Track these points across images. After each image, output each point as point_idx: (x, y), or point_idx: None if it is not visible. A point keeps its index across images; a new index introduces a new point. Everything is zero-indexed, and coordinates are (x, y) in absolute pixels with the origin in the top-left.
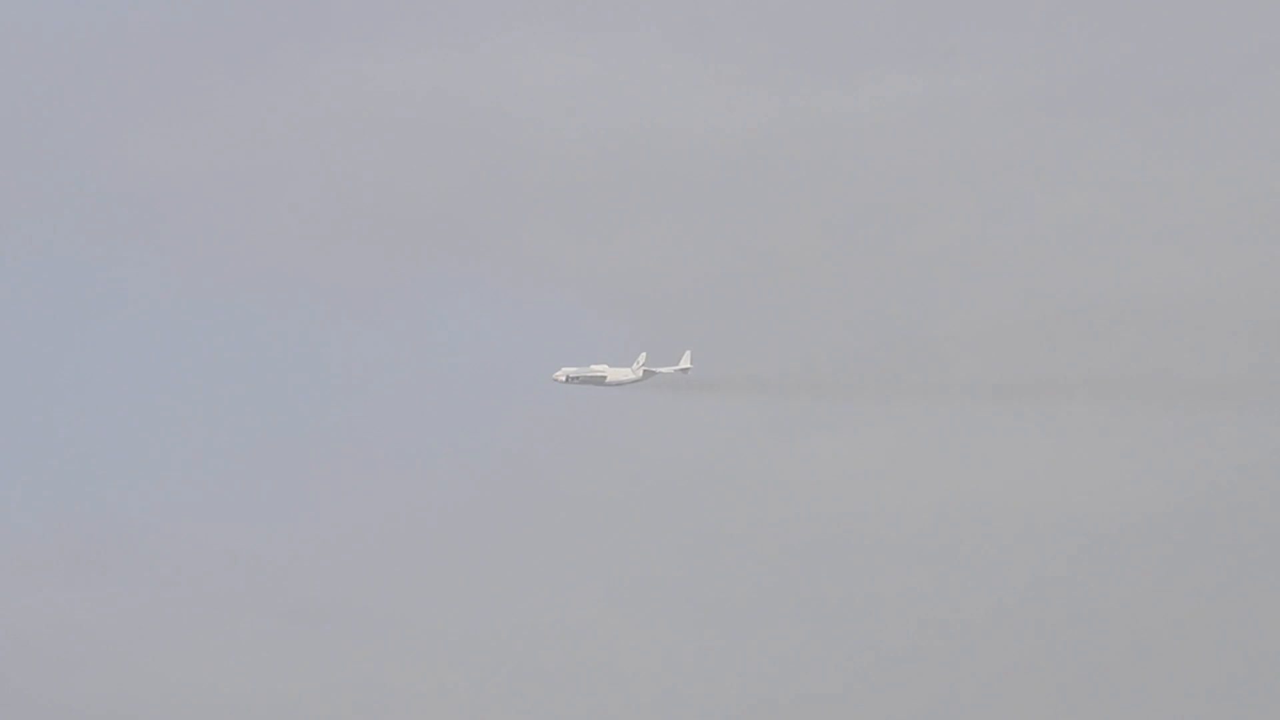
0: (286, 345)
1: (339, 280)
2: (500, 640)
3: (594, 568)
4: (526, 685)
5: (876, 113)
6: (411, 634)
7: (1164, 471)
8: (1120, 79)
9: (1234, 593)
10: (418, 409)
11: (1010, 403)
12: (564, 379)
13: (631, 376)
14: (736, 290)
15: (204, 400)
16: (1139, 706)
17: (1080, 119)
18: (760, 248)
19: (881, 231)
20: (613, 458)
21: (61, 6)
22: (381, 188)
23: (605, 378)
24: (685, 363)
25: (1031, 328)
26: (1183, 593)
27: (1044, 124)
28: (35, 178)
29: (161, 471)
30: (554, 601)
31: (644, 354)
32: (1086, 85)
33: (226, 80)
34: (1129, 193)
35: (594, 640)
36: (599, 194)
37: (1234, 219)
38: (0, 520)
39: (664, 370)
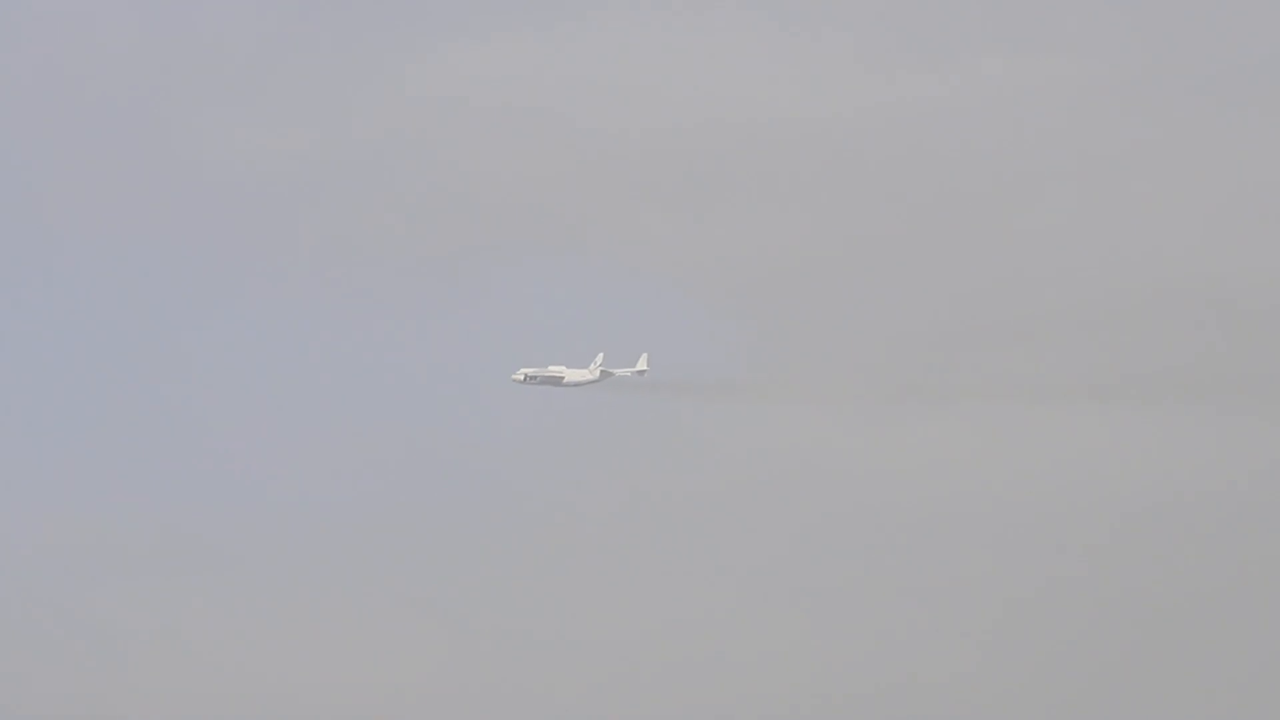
0: (389, 332)
1: (440, 267)
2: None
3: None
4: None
5: (969, 97)
6: (540, 625)
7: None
8: (1222, 62)
9: None
10: (515, 392)
11: (1107, 393)
12: (522, 379)
13: (589, 377)
14: (830, 275)
15: (311, 389)
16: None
17: (1180, 103)
18: (855, 233)
19: (978, 217)
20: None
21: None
22: (480, 175)
23: (563, 378)
24: (642, 364)
25: (1128, 316)
26: None
27: (1140, 107)
28: (152, 171)
29: (267, 463)
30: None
31: (601, 354)
32: (1187, 69)
33: (329, 72)
34: (1231, 176)
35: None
36: (695, 179)
37: None
38: (105, 514)
39: (620, 371)
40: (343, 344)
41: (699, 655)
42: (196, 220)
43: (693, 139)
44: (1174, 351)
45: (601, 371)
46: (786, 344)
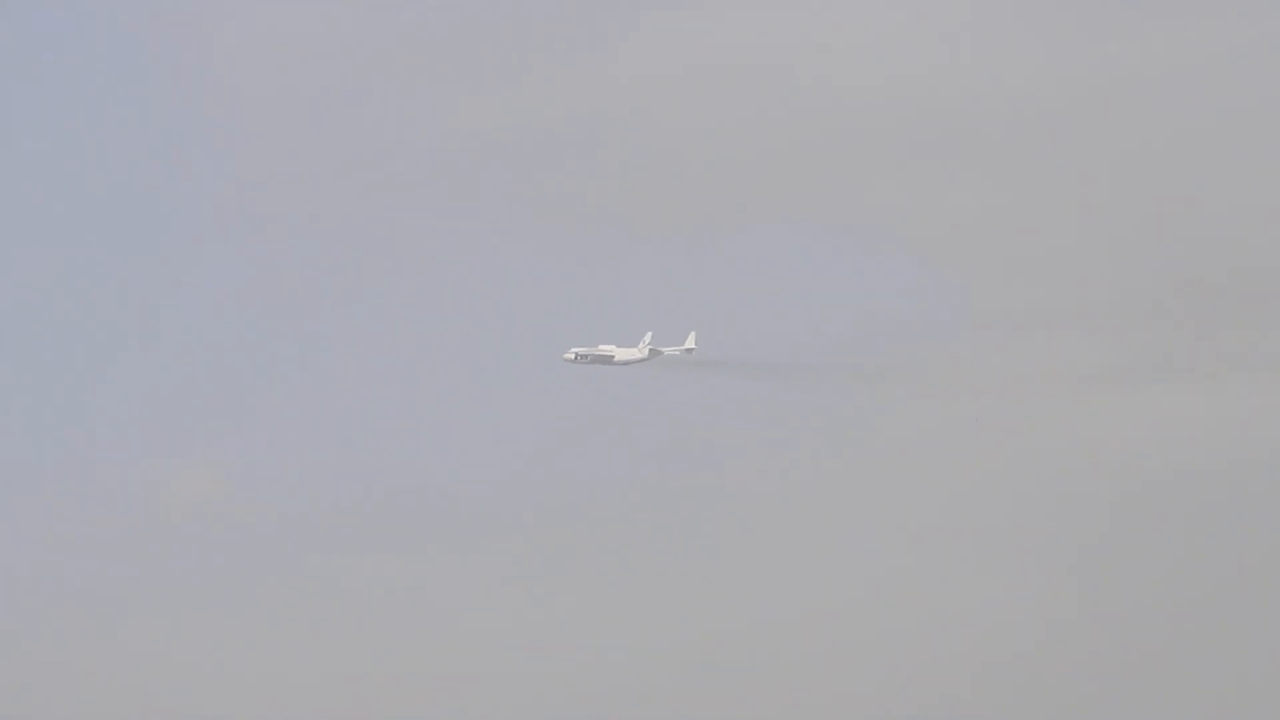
0: (612, 300)
1: (670, 229)
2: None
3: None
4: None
5: (1179, 58)
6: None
7: None
8: None
9: None
10: (744, 353)
11: None
12: (573, 358)
13: (638, 356)
14: (1053, 238)
15: (540, 359)
16: None
17: None
18: (1078, 197)
19: (1191, 182)
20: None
21: None
22: (708, 140)
23: (614, 357)
24: (690, 343)
25: None
26: None
27: None
28: (368, 149)
29: (478, 431)
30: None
31: (649, 333)
32: None
33: (559, 39)
34: None
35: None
36: (922, 143)
37: None
38: (317, 481)
39: (670, 350)
40: (570, 313)
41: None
42: (416, 195)
43: (912, 102)
44: None
45: (650, 350)
46: (1001, 310)
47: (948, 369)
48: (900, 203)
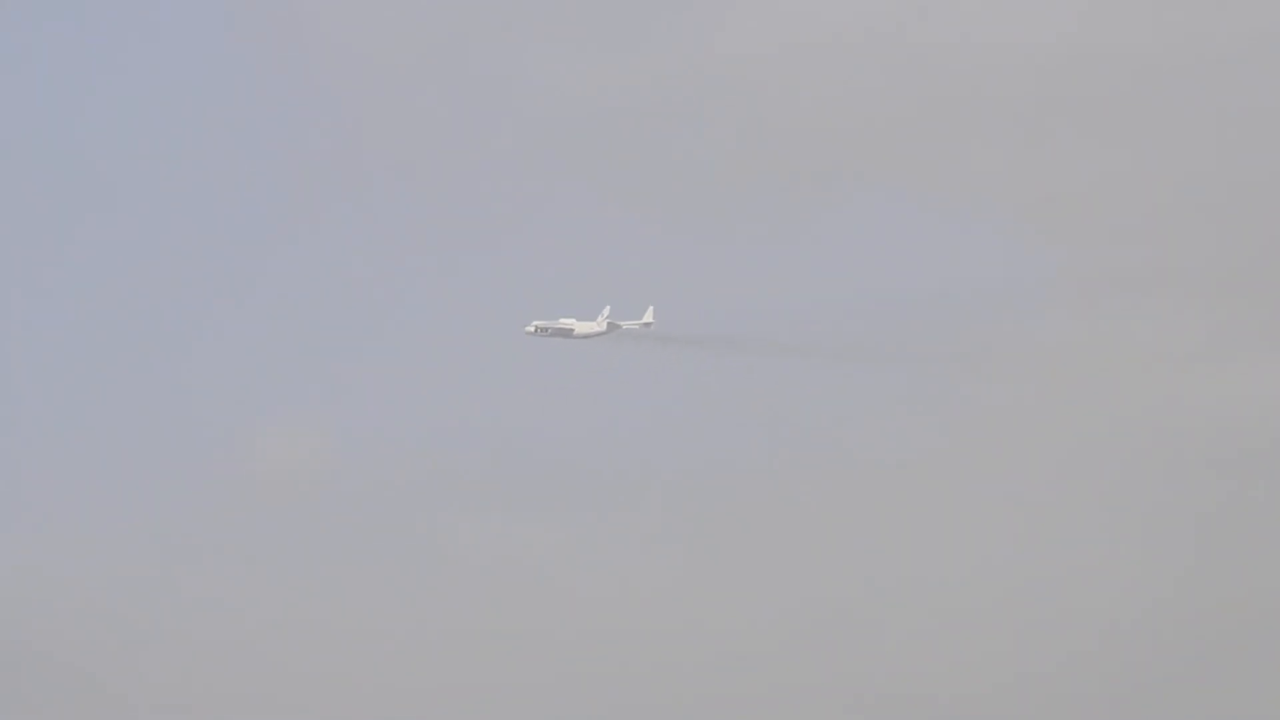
0: (719, 266)
1: (762, 201)
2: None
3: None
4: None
5: None
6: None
7: None
8: None
9: None
10: (840, 323)
11: None
12: (534, 330)
13: (597, 329)
14: (1156, 205)
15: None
16: None
17: None
18: (1181, 163)
19: None
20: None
21: None
22: (805, 111)
23: (573, 330)
24: (648, 317)
25: None
26: None
27: None
28: (457, 106)
29: (603, 397)
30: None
31: (608, 307)
32: None
33: (659, 8)
34: None
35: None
36: (1025, 112)
37: None
38: (446, 446)
39: (628, 324)
40: (679, 277)
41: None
42: (519, 161)
43: (1009, 67)
44: None
45: (609, 324)
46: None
47: (1047, 340)
48: (998, 170)
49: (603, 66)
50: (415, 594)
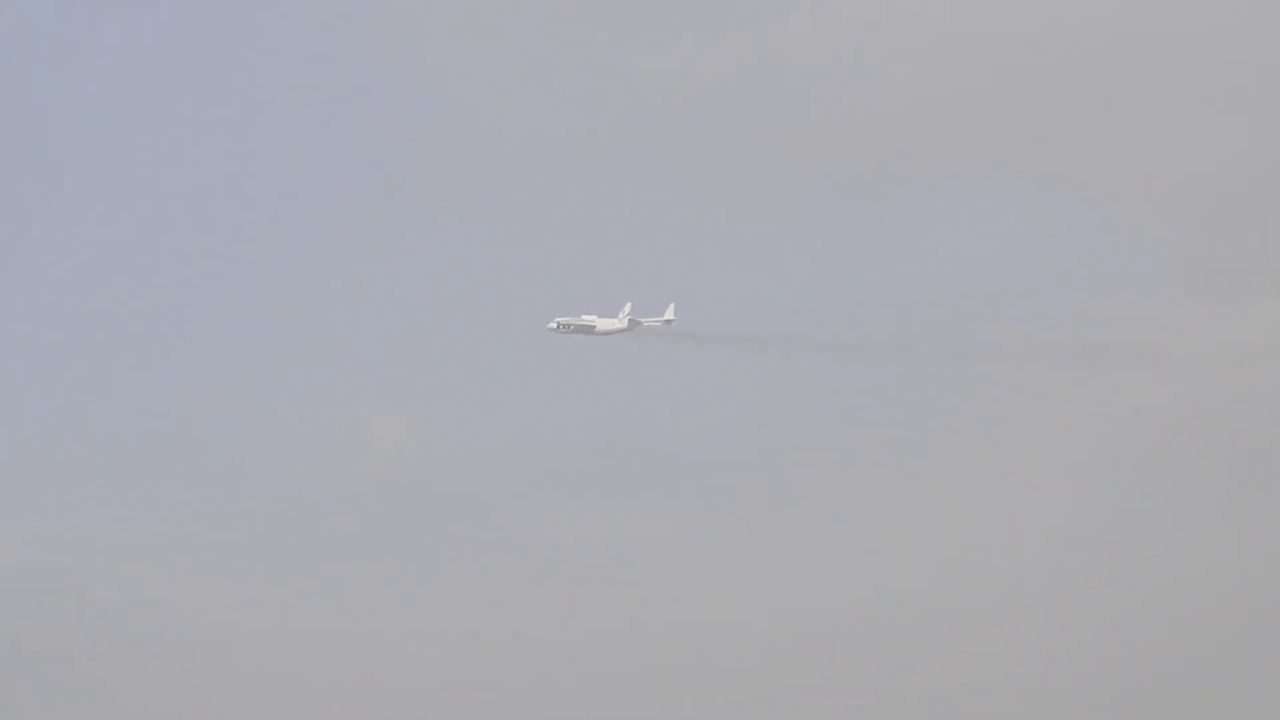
0: (808, 254)
1: (860, 188)
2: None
3: None
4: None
5: None
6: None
7: None
8: None
9: None
10: (936, 312)
11: None
12: (555, 327)
13: (618, 326)
14: (1265, 191)
15: (744, 311)
16: None
17: None
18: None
19: None
20: None
21: None
22: (902, 94)
23: (595, 327)
24: (669, 314)
25: None
26: None
27: None
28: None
29: (711, 391)
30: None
31: (629, 304)
32: None
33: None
34: None
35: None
36: (1125, 100)
37: None
38: (552, 435)
39: (649, 321)
40: (768, 266)
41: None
42: (612, 149)
43: (1108, 52)
44: None
45: (630, 320)
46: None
47: (1152, 333)
48: (1099, 155)
49: (654, 55)
50: (509, 586)
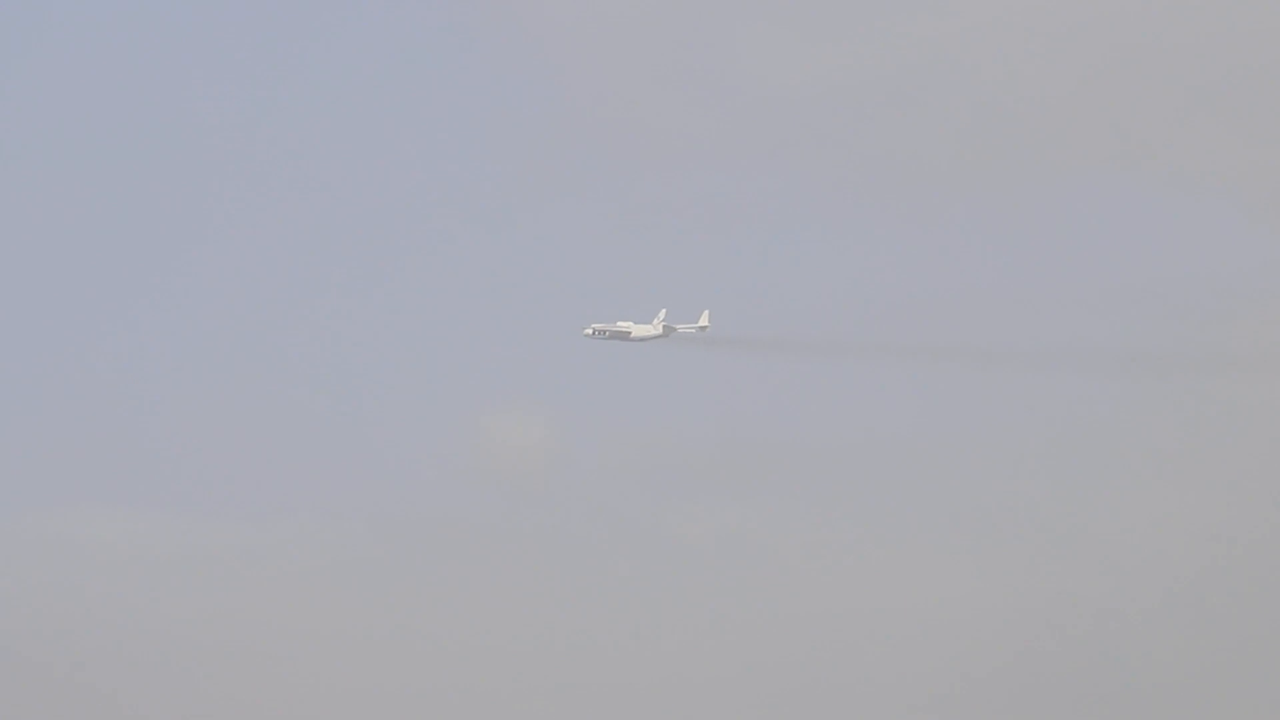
0: (937, 250)
1: (986, 182)
2: None
3: None
4: None
5: None
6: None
7: None
8: None
9: None
10: (1066, 310)
11: None
12: (591, 333)
13: (654, 332)
14: None
15: (867, 309)
16: None
17: None
18: None
19: None
20: None
21: None
22: (1034, 88)
23: (630, 333)
24: (704, 321)
25: None
26: None
27: None
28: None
29: (830, 383)
30: None
31: (664, 310)
32: None
33: None
34: None
35: None
36: (1257, 95)
37: None
38: (671, 430)
39: (684, 327)
40: (890, 263)
41: None
42: (737, 148)
43: (1245, 45)
44: None
45: (665, 327)
46: None
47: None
48: (1240, 153)
49: (814, 54)
50: (642, 580)
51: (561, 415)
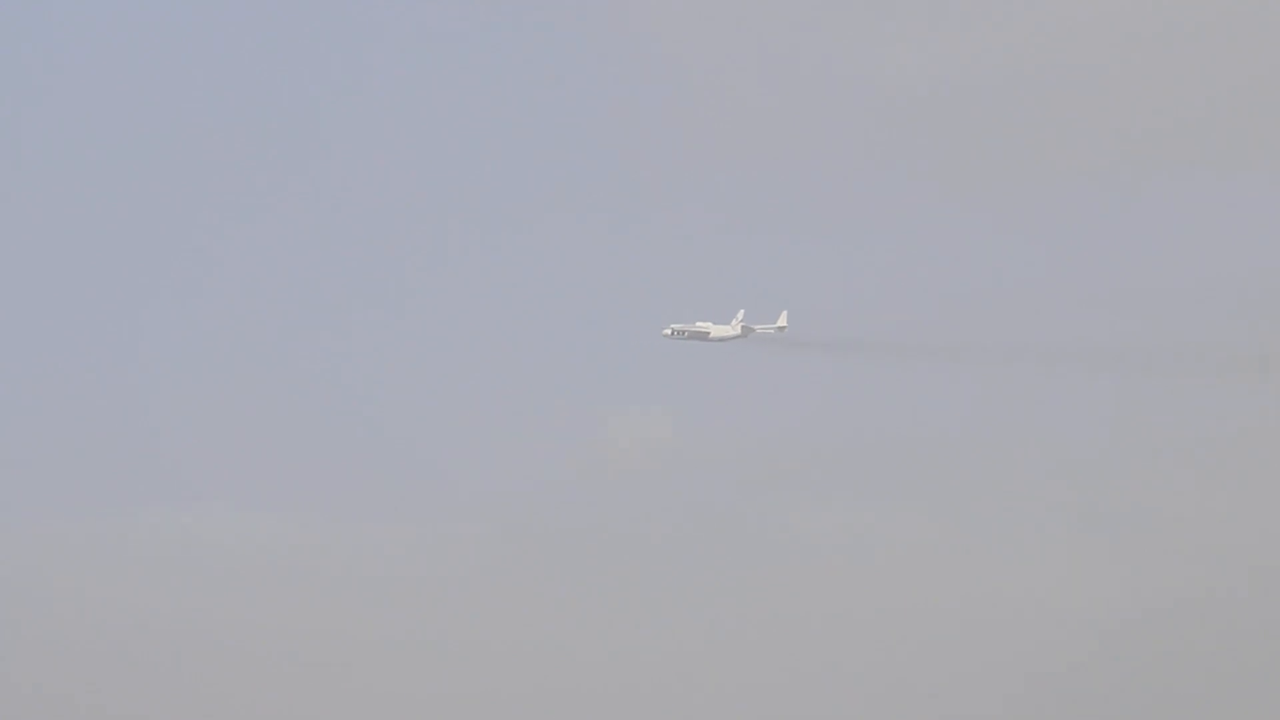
0: (1056, 245)
1: (1086, 180)
2: None
3: None
4: None
5: None
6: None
7: None
8: None
9: None
10: (1166, 309)
11: None
12: (670, 333)
13: (732, 333)
14: None
15: (989, 308)
16: None
17: None
18: None
19: None
20: None
21: None
22: (1132, 87)
23: (709, 333)
24: (782, 321)
25: None
26: None
27: None
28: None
29: (939, 378)
30: None
31: (742, 310)
32: None
33: None
34: None
35: None
36: None
37: None
38: (788, 432)
39: (762, 328)
40: (1021, 259)
41: None
42: (837, 143)
43: None
44: None
45: (743, 327)
46: None
47: None
48: None
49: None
50: (758, 578)
51: (676, 414)
